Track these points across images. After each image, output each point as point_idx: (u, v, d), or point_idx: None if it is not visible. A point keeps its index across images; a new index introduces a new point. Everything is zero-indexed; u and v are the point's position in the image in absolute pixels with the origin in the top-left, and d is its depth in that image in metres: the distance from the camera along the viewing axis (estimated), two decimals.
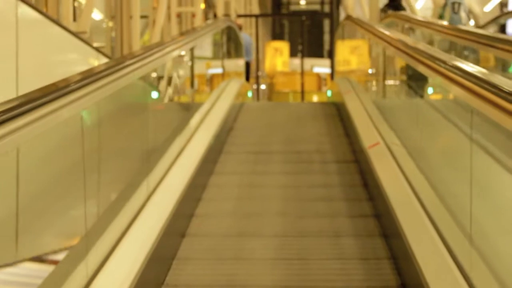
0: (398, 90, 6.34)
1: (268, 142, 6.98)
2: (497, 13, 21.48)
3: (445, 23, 7.72)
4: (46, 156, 2.84)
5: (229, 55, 10.62)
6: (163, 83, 5.46)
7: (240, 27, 13.48)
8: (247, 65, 13.04)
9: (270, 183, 5.46)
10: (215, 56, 9.84)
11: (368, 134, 5.86)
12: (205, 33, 6.93)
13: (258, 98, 13.45)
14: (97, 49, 6.94)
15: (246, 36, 13.74)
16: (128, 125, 4.09)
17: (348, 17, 9.85)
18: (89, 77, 3.17)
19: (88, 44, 6.65)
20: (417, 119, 4.59)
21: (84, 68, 3.59)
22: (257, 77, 16.84)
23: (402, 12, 9.35)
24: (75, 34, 6.24)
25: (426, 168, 4.07)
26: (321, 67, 22.76)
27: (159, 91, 5.33)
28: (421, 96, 4.85)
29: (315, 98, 20.56)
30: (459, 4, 10.08)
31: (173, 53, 5.42)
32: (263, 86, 20.21)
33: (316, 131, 7.42)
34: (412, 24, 8.40)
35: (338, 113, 8.37)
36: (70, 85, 2.94)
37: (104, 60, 7.08)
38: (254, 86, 14.22)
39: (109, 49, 10.42)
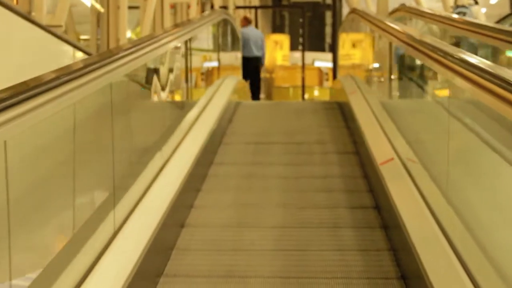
0: (410, 91, 5.62)
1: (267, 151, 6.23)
2: (506, 5, 20.72)
3: (456, 16, 6.95)
4: None
5: (223, 51, 9.87)
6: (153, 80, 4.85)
7: (248, 21, 12.67)
8: (249, 61, 12.08)
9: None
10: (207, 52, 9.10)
11: (379, 146, 5.11)
12: (194, 29, 6.16)
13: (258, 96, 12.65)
14: (74, 45, 6.18)
15: (253, 30, 12.84)
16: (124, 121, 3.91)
17: (354, 10, 9.08)
18: (52, 81, 2.58)
19: (62, 39, 5.89)
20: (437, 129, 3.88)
21: (51, 67, 3.03)
22: None
23: (414, 6, 8.59)
24: (45, 28, 5.48)
25: (451, 192, 3.34)
26: (322, 61, 22.02)
27: (148, 88, 4.80)
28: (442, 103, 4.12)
29: (316, 93, 19.84)
30: (464, 14, 9.45)
31: (158, 51, 4.73)
32: None
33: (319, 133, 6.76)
34: (425, 19, 7.65)
35: (343, 119, 7.62)
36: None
37: (83, 56, 6.33)
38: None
39: (94, 42, 9.65)
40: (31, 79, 2.53)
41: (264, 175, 5.41)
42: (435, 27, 8.22)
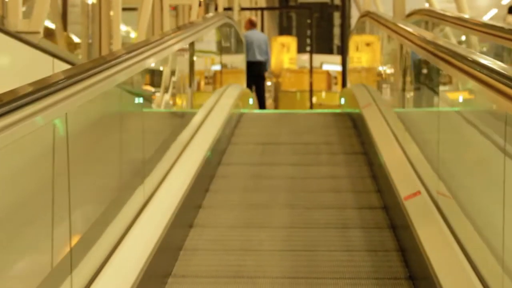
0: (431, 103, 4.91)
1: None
2: None
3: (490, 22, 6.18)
4: None
5: (225, 55, 9.18)
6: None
7: (253, 24, 11.94)
8: (252, 66, 11.30)
9: None
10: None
11: (401, 175, 4.37)
12: (187, 37, 5.42)
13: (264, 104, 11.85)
14: (53, 54, 5.45)
15: (256, 33, 12.09)
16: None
17: (367, 13, 8.33)
18: None
19: (38, 47, 5.17)
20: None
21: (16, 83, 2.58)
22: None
23: (432, 8, 7.84)
24: (15, 36, 4.77)
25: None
26: (331, 64, 21.27)
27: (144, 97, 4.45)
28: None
29: (323, 95, 19.12)
30: None
31: (148, 61, 4.17)
32: (268, 83, 18.67)
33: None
34: (447, 23, 6.91)
35: (356, 133, 6.89)
36: None
37: (64, 67, 5.65)
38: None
39: (85, 47, 8.93)
40: None
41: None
42: (447, 30, 7.51)
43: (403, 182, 4.21)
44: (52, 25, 9.17)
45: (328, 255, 3.88)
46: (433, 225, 3.49)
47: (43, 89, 2.49)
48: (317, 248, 3.98)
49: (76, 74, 2.85)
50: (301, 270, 3.69)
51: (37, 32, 5.47)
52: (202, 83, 8.46)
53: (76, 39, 10.72)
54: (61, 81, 2.70)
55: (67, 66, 5.68)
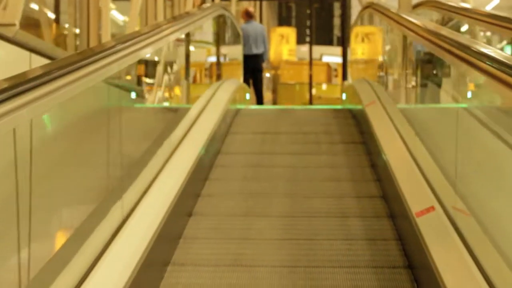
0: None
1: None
2: None
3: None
4: None
5: (221, 48, 8.78)
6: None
7: (249, 16, 11.49)
8: (248, 60, 10.85)
9: None
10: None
11: (412, 188, 3.94)
12: (180, 29, 4.98)
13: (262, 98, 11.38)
14: (30, 48, 5.02)
15: (253, 25, 11.65)
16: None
17: (370, 5, 7.89)
18: None
19: (13, 41, 4.74)
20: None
21: None
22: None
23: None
24: None
25: None
26: (331, 55, 20.84)
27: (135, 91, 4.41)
28: None
29: (323, 87, 18.74)
30: None
31: (132, 57, 3.77)
32: (267, 75, 18.28)
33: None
34: (457, 15, 6.49)
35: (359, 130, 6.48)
36: None
37: (43, 62, 5.25)
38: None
39: (72, 38, 8.49)
40: None
41: None
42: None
43: (413, 191, 3.79)
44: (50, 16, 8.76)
45: (327, 243, 3.86)
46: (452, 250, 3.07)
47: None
48: (316, 237, 3.96)
49: (45, 74, 2.43)
50: (299, 259, 3.68)
51: (13, 25, 5.04)
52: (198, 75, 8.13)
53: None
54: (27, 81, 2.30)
55: (47, 61, 5.26)
